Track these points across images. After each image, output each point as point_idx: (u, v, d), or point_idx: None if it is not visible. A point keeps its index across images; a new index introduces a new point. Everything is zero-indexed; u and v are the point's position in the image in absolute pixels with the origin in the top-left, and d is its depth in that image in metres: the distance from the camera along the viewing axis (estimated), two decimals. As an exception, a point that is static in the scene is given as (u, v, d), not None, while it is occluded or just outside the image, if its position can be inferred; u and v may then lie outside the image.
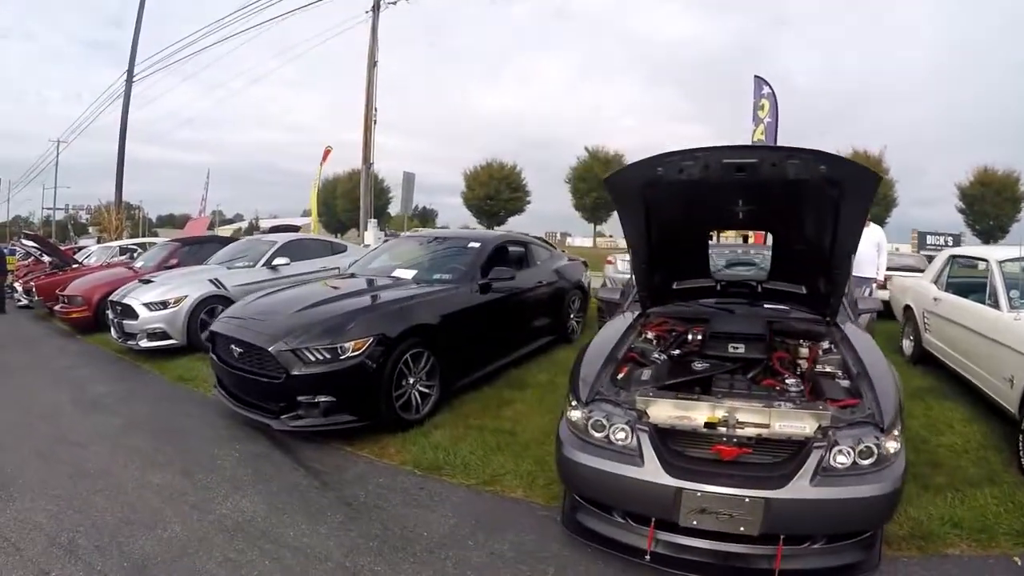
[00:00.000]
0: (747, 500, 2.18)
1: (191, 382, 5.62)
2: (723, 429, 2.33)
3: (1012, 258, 4.62)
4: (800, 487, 2.19)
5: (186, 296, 6.60)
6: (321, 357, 3.76)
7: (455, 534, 2.85)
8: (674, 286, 3.62)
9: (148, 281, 6.98)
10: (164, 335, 6.49)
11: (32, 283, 10.29)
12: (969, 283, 5.64)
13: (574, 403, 2.63)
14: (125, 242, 13.50)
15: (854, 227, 2.82)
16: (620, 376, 2.90)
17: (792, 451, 2.33)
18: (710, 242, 3.45)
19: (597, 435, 2.48)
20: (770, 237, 3.63)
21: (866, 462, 2.25)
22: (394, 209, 47.01)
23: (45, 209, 45.70)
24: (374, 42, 15.65)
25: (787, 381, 2.84)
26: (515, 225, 45.08)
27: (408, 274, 5.27)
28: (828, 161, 2.44)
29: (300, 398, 3.78)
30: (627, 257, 10.31)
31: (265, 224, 41.75)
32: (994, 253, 4.77)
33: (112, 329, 6.98)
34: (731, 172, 2.54)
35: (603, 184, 2.90)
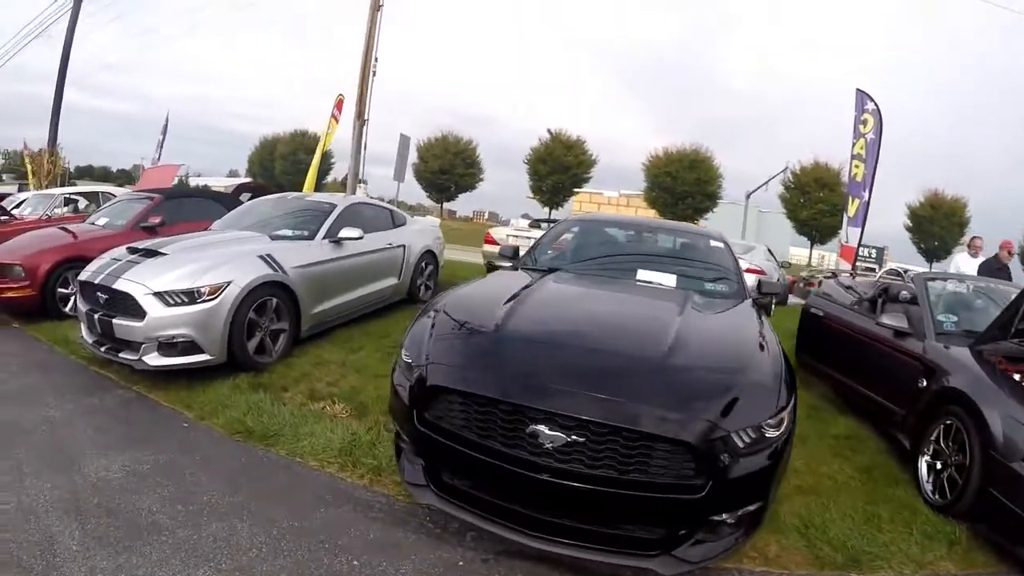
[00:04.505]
0: None
1: (296, 446, 3.23)
2: None
3: None
4: None
5: (229, 282, 4.02)
6: (751, 439, 2.23)
7: None
8: None
9: (151, 252, 4.30)
10: (191, 347, 3.90)
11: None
12: None
13: None
14: (67, 190, 9.94)
15: None
16: None
17: None
18: None
19: None
20: None
21: None
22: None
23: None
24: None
25: None
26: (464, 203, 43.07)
27: (669, 280, 3.67)
28: None
29: (722, 516, 2.27)
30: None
31: (195, 183, 36.76)
32: None
33: (84, 327, 4.29)
34: None
35: None
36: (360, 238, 5.13)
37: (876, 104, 10.41)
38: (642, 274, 3.76)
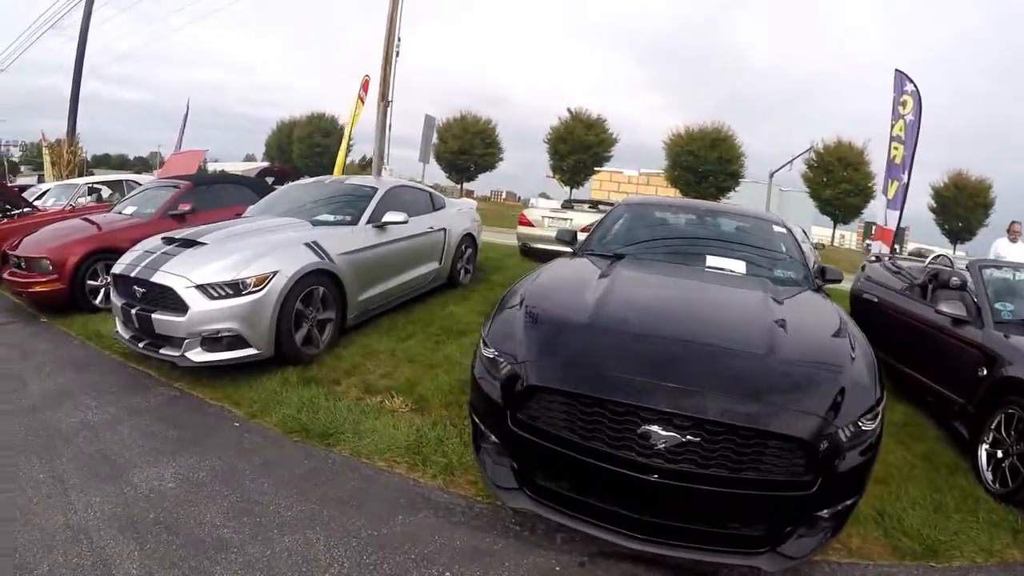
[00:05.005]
0: None
1: (359, 445, 2.99)
2: None
3: None
4: None
5: (275, 272, 3.74)
6: (852, 433, 2.17)
7: None
8: None
9: (189, 242, 4.02)
10: (236, 341, 3.64)
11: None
12: None
13: None
14: (90, 179, 9.73)
15: None
16: None
17: None
18: None
19: None
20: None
21: None
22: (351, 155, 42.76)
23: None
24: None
25: None
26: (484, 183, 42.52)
27: (739, 267, 3.54)
28: None
29: (825, 511, 2.22)
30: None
31: (212, 168, 36.69)
32: None
33: (118, 322, 4.04)
34: None
35: None
36: (405, 222, 4.83)
37: (915, 86, 10.30)
38: (711, 260, 3.61)
